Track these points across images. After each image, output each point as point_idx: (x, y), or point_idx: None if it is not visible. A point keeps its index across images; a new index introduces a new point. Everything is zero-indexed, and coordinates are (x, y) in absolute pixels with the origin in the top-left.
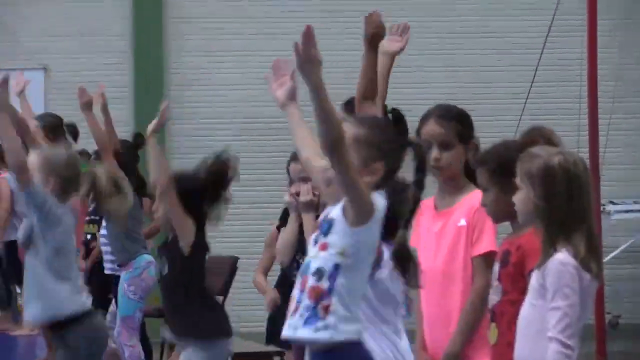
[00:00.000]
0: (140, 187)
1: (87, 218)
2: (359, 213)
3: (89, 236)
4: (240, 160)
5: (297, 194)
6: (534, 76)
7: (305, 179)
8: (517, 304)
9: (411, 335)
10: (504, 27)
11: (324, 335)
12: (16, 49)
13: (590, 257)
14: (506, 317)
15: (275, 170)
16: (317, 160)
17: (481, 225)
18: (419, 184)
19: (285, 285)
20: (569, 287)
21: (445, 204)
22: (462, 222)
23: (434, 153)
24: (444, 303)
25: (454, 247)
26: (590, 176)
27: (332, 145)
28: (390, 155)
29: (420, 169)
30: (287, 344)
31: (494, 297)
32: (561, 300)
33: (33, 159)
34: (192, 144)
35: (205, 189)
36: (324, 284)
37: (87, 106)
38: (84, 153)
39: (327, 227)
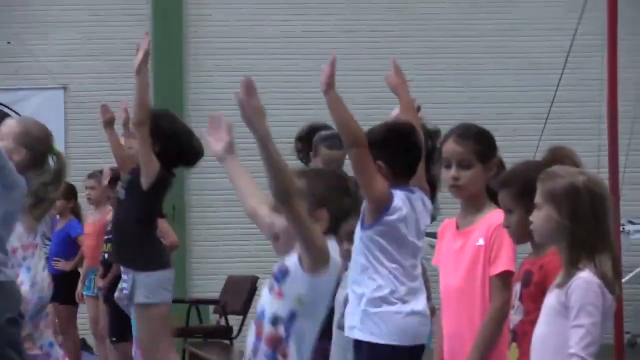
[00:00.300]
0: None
1: (106, 237)
2: (315, 261)
3: (106, 255)
4: (260, 181)
5: None
6: (554, 96)
7: None
8: None
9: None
10: (525, 47)
11: None
12: (36, 68)
13: (615, 278)
14: (528, 337)
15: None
16: (262, 210)
17: (499, 245)
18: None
19: None
20: (593, 305)
21: (466, 223)
22: (481, 242)
23: (452, 172)
24: (462, 320)
25: (473, 266)
26: (611, 196)
27: (284, 195)
28: (332, 202)
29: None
30: None
31: (515, 317)
32: (585, 318)
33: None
34: (211, 164)
35: (176, 138)
36: (281, 332)
37: (109, 124)
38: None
39: (282, 275)
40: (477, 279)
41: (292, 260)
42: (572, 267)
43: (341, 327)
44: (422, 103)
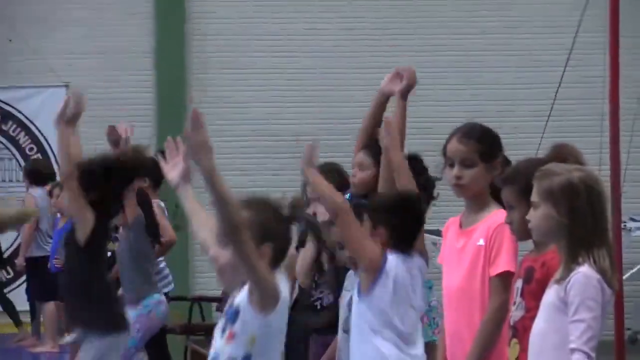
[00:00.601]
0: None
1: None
2: (264, 298)
3: (108, 253)
4: (264, 179)
5: (315, 214)
6: (556, 94)
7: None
8: None
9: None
10: (526, 45)
11: None
12: (39, 66)
13: (612, 273)
14: (529, 333)
15: (298, 188)
16: (211, 245)
17: (499, 245)
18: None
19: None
20: (593, 300)
21: (469, 222)
22: (481, 242)
23: (455, 171)
24: (463, 320)
25: (473, 266)
26: (607, 192)
27: (231, 231)
28: (277, 234)
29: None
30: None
31: (517, 314)
32: (585, 313)
33: None
34: (217, 161)
35: (108, 176)
36: None
37: (115, 143)
38: None
39: (233, 315)
40: (477, 279)
41: (242, 299)
42: (571, 262)
43: (346, 331)
44: (423, 101)
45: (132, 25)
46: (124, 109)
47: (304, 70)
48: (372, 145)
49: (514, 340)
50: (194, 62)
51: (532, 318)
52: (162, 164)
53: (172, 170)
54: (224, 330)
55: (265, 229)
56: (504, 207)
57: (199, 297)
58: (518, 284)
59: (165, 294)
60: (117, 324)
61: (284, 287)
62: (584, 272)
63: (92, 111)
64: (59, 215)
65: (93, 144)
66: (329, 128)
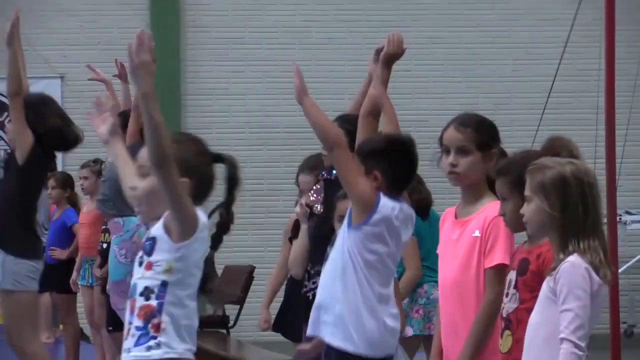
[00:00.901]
0: None
1: (103, 227)
2: (183, 227)
3: (104, 245)
4: (258, 170)
5: (308, 205)
6: (552, 87)
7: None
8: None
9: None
10: (522, 38)
11: (157, 353)
12: (33, 57)
13: (602, 263)
14: (522, 324)
15: (293, 180)
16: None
17: (494, 237)
18: (227, 205)
19: (294, 286)
20: (580, 288)
21: (465, 213)
22: (477, 233)
23: (450, 158)
24: (459, 311)
25: (468, 257)
26: (599, 185)
27: (161, 159)
28: (197, 172)
29: (230, 189)
30: (294, 335)
31: (510, 305)
32: (573, 302)
33: None
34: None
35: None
36: (153, 302)
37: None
38: (97, 161)
39: (150, 246)
40: (472, 271)
41: (158, 230)
42: (561, 254)
43: None
44: (419, 93)
45: (126, 16)
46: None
47: (299, 63)
48: (347, 118)
49: (507, 332)
50: (189, 54)
51: (527, 309)
52: (91, 118)
53: (101, 125)
54: (141, 262)
55: (187, 163)
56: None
57: None
58: (511, 275)
59: None
60: (39, 253)
61: (203, 217)
62: (572, 261)
63: (86, 103)
64: (54, 207)
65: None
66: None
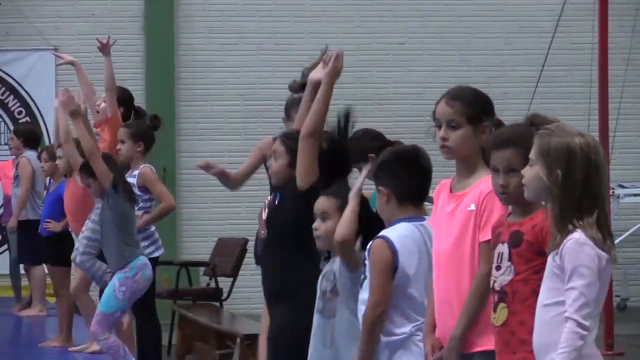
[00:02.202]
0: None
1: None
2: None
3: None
4: (252, 143)
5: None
6: (545, 60)
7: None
8: (529, 282)
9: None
10: (516, 11)
11: None
12: (27, 30)
13: (604, 239)
14: (519, 295)
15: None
16: None
17: (490, 211)
18: None
19: None
20: (586, 266)
21: (460, 186)
22: (472, 207)
23: (441, 132)
24: (453, 285)
25: (463, 231)
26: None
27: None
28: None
29: None
30: None
31: (503, 278)
32: (578, 280)
33: None
34: (203, 126)
35: None
36: None
37: (76, 114)
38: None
39: None
40: (467, 244)
41: None
42: (563, 229)
43: (317, 311)
44: (413, 66)
45: None
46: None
47: (292, 35)
48: (289, 135)
49: (502, 304)
50: (183, 26)
51: (522, 281)
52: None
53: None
54: None
55: None
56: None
57: (186, 262)
58: (501, 249)
59: (156, 259)
60: None
61: None
62: (576, 238)
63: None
64: (49, 179)
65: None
66: None
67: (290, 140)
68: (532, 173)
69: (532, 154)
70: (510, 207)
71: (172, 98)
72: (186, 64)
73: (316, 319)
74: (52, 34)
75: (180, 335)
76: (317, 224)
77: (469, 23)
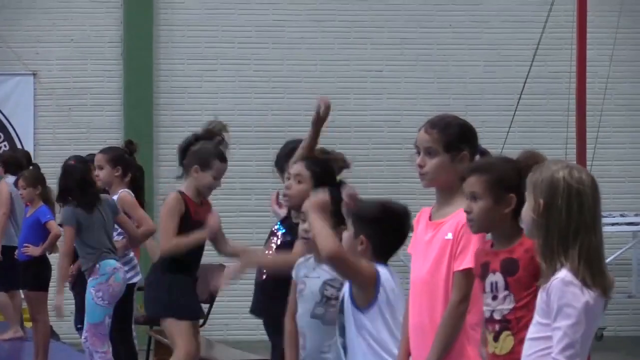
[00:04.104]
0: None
1: None
2: None
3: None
4: (230, 169)
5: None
6: (523, 89)
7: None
8: (531, 306)
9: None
10: (494, 39)
11: None
12: (6, 54)
13: (592, 275)
14: (524, 320)
15: (264, 179)
16: None
17: (466, 241)
18: None
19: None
20: (571, 306)
21: (439, 214)
22: (449, 236)
23: (418, 159)
24: (427, 314)
25: (439, 259)
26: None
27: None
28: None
29: None
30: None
31: (504, 307)
32: (563, 320)
33: None
34: None
35: None
36: None
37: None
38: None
39: None
40: (442, 273)
41: None
42: (546, 262)
43: (315, 317)
44: (390, 93)
45: (99, 14)
46: (90, 98)
47: (271, 62)
48: (311, 158)
49: (506, 332)
50: (161, 52)
51: (525, 307)
52: None
53: None
54: None
55: None
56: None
57: None
58: (494, 278)
59: (133, 284)
60: None
61: None
62: (562, 277)
63: (59, 100)
64: (28, 205)
65: (56, 131)
66: (296, 119)
67: (315, 166)
68: (525, 207)
69: (526, 189)
70: (489, 235)
71: (151, 123)
72: (165, 89)
73: (313, 323)
74: (31, 59)
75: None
76: (308, 225)
77: (447, 51)
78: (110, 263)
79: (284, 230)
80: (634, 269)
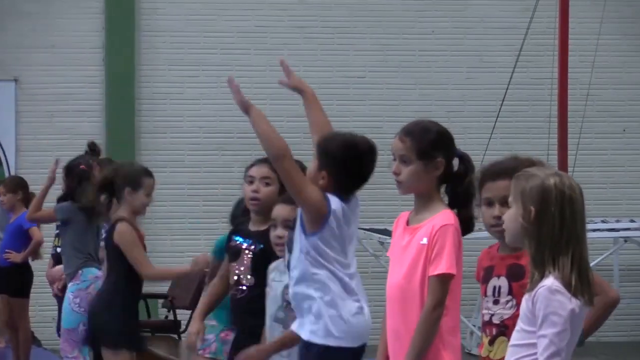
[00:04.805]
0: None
1: (57, 231)
2: None
3: (57, 249)
4: (212, 176)
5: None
6: (505, 95)
7: (268, 184)
8: None
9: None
10: (476, 46)
11: None
12: None
13: (580, 283)
14: None
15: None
16: None
17: (441, 246)
18: None
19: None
20: (556, 314)
21: (416, 220)
22: (424, 241)
23: (393, 167)
24: (404, 319)
25: (415, 264)
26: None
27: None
28: None
29: None
30: None
31: (505, 312)
32: (549, 328)
33: None
34: (163, 158)
35: None
36: None
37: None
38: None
39: None
40: (417, 278)
41: None
42: (538, 271)
43: (278, 321)
44: (373, 100)
45: (81, 19)
46: (72, 103)
47: (253, 68)
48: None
49: (502, 337)
50: (143, 58)
51: None
52: None
53: None
54: None
55: None
56: (451, 207)
57: (145, 294)
58: (498, 282)
59: None
60: None
61: None
62: (548, 285)
63: (40, 106)
64: (10, 211)
65: (37, 137)
66: (279, 126)
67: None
68: (509, 216)
69: (511, 196)
70: (499, 240)
71: (132, 130)
72: (147, 95)
73: (275, 327)
74: (12, 65)
75: None
76: (280, 231)
77: (430, 57)
78: (93, 271)
79: (249, 241)
80: (615, 275)
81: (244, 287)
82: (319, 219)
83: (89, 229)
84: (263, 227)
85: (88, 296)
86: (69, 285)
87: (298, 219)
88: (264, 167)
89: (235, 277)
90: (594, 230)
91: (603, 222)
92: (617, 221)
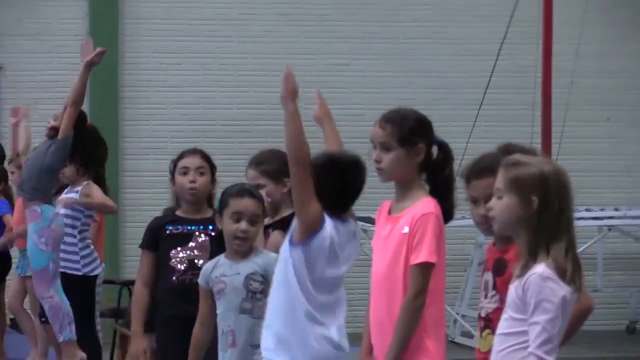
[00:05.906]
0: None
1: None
2: None
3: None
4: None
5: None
6: (489, 83)
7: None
8: None
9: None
10: (460, 33)
11: None
12: None
13: (573, 270)
14: None
15: (231, 173)
16: None
17: (421, 235)
18: None
19: None
20: (549, 301)
21: (397, 208)
22: (406, 230)
23: (374, 154)
24: (387, 309)
25: (397, 254)
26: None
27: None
28: None
29: None
30: None
31: (488, 305)
32: (541, 315)
33: None
34: (147, 145)
35: None
36: None
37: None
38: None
39: None
40: (399, 267)
41: None
42: (530, 258)
43: (244, 312)
44: (357, 87)
45: (65, 7)
46: (57, 91)
47: (237, 55)
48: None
49: (488, 330)
50: (127, 45)
51: None
52: None
53: None
54: None
55: None
56: (432, 195)
57: (129, 281)
58: (487, 277)
59: (95, 277)
60: None
61: None
62: (540, 272)
63: (25, 93)
64: None
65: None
66: (262, 113)
67: (209, 157)
68: (502, 205)
69: (500, 185)
70: (486, 235)
71: (116, 117)
72: (130, 82)
73: (242, 318)
74: None
75: (121, 355)
76: (245, 225)
77: (414, 45)
78: (52, 209)
79: (199, 227)
80: (599, 264)
81: None
82: (308, 232)
83: (57, 175)
84: (201, 216)
85: (52, 233)
86: (30, 226)
87: (290, 229)
88: (196, 157)
89: (186, 261)
90: (578, 218)
91: (587, 210)
92: (602, 209)
